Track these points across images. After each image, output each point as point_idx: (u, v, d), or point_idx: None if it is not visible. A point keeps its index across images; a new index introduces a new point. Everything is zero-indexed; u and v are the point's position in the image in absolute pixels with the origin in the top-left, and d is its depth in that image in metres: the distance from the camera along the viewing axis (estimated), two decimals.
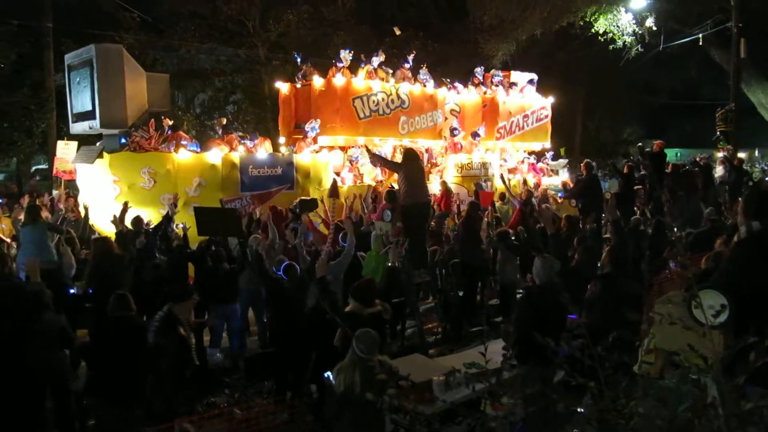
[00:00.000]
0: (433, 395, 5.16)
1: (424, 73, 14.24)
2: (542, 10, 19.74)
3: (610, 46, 21.00)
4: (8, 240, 9.67)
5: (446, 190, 12.56)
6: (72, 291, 7.50)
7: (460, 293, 9.20)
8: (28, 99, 17.45)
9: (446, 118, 14.67)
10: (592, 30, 20.40)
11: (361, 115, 12.98)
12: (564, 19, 20.11)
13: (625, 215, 10.35)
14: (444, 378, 5.34)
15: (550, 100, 17.01)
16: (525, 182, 14.56)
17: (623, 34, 20.45)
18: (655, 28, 20.24)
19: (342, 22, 20.80)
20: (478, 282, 9.58)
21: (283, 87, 13.63)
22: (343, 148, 13.17)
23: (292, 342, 6.00)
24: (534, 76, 16.99)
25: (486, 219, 10.57)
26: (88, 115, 10.28)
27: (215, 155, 10.75)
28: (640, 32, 20.39)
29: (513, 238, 9.42)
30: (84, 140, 12.28)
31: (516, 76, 16.77)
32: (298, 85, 13.11)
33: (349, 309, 5.65)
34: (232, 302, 7.63)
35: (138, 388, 4.92)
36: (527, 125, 16.36)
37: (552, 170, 16.78)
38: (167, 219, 8.45)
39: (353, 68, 13.12)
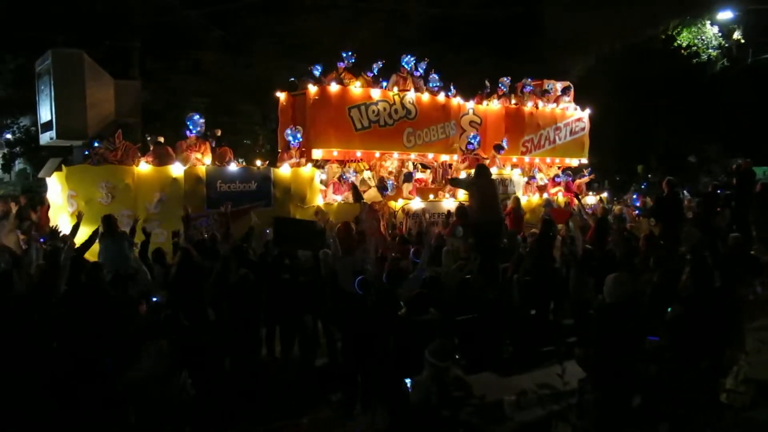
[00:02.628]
0: (504, 414, 5.06)
1: (434, 80, 13.27)
2: (621, 23, 19.29)
3: (694, 60, 20.28)
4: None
5: (516, 207, 12.29)
6: (154, 299, 7.76)
7: (533, 312, 8.99)
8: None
9: (464, 131, 13.68)
10: (675, 44, 19.78)
11: (358, 126, 12.09)
12: (645, 32, 19.59)
13: (706, 236, 9.92)
14: (515, 398, 5.23)
15: (587, 112, 15.77)
16: (601, 200, 13.97)
17: (708, 48, 19.70)
18: (743, 41, 19.41)
19: (416, 39, 20.96)
20: (551, 301, 9.34)
21: (281, 96, 12.78)
22: (342, 162, 12.39)
23: (365, 355, 6.05)
24: (569, 85, 15.77)
25: (560, 236, 10.32)
26: (49, 126, 9.70)
27: (177, 168, 9.92)
28: (726, 45, 19.59)
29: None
30: (62, 152, 11.57)
31: (550, 84, 15.64)
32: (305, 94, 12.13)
33: (401, 314, 6.02)
34: (304, 314, 7.73)
35: None
36: (559, 139, 15.15)
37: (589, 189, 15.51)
38: (251, 230, 8.71)
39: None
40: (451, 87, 13.48)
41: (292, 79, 12.78)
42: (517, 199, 12.58)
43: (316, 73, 12.39)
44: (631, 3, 18.99)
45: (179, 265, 7.12)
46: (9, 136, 20.74)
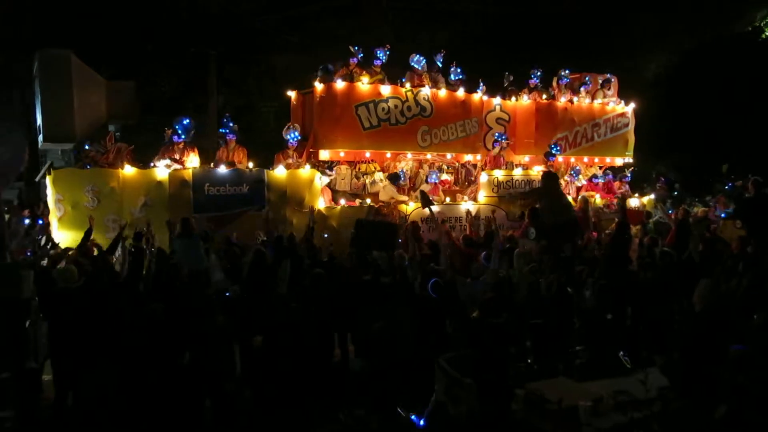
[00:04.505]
0: (579, 420, 4.95)
1: (456, 74, 12.41)
2: (705, 16, 18.52)
3: None
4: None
5: (584, 208, 11.90)
6: (228, 294, 7.99)
7: (608, 316, 8.72)
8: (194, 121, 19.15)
9: (490, 128, 12.94)
10: (763, 36, 18.81)
11: (366, 125, 11.41)
12: (732, 26, 18.75)
13: None
14: (591, 404, 5.09)
15: (631, 107, 14.63)
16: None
17: None
18: None
19: (485, 38, 20.78)
20: (627, 305, 9.03)
21: (292, 95, 12.27)
22: (352, 163, 11.75)
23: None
24: (610, 78, 14.62)
25: (637, 239, 10.00)
26: (41, 129, 9.32)
27: (162, 171, 9.49)
28: None
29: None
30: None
31: (588, 77, 14.48)
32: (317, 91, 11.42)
33: (474, 316, 6.25)
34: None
35: None
36: (597, 136, 14.05)
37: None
38: (311, 231, 8.87)
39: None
40: (480, 83, 12.75)
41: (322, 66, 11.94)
42: (586, 200, 12.21)
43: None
44: None
45: (251, 265, 7.33)
46: None
